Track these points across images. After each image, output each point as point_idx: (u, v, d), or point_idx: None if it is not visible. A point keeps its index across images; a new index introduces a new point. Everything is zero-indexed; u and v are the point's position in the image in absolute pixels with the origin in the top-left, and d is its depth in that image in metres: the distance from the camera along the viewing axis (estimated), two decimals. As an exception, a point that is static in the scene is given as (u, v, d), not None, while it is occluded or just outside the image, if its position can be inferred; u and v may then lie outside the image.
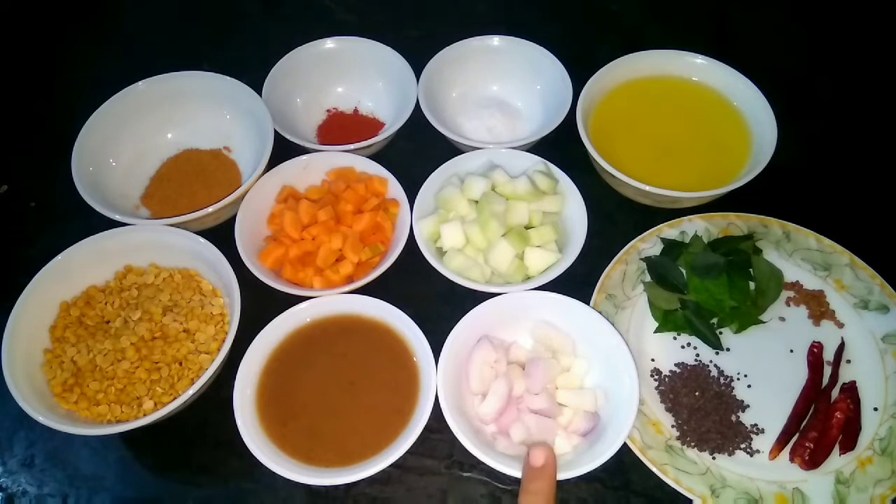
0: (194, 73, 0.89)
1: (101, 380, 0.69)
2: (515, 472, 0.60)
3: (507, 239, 0.73)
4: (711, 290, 0.73)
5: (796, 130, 0.82)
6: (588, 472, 0.60)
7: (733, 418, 0.69)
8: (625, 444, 0.64)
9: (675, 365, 0.73)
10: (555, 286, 0.71)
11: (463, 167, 0.81)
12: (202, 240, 0.74)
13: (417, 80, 0.87)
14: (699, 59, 0.89)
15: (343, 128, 0.92)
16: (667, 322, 0.74)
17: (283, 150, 0.83)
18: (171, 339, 0.71)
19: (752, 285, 0.75)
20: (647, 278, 0.77)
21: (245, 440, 0.63)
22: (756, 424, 0.69)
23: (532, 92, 0.92)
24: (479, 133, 0.89)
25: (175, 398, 0.67)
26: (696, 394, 0.70)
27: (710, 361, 0.73)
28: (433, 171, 0.80)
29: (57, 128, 0.86)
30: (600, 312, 0.70)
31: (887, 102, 0.95)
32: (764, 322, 0.75)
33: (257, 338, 0.69)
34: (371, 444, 0.64)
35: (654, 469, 0.65)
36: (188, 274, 0.76)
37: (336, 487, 0.67)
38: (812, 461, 0.66)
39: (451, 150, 0.85)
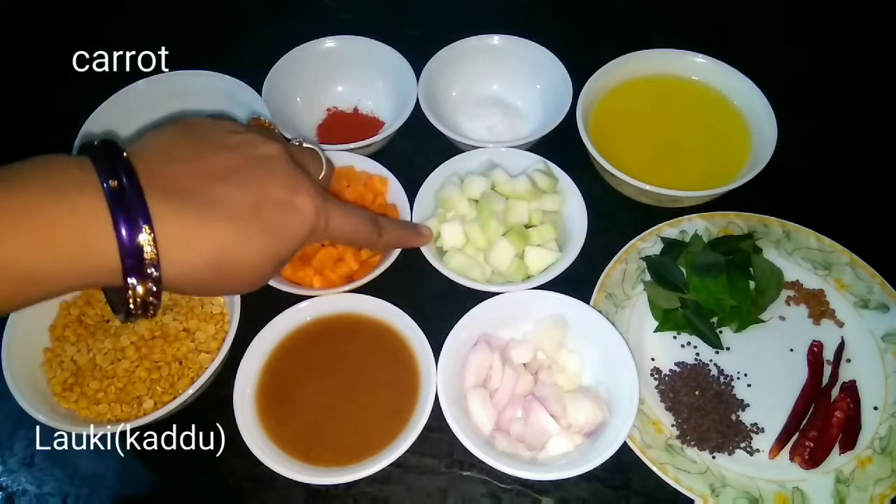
0: (194, 72, 0.88)
1: (101, 379, 0.69)
2: (515, 471, 0.60)
3: (508, 238, 0.73)
4: (711, 289, 0.73)
5: (796, 130, 0.82)
6: (588, 472, 0.60)
7: (733, 417, 0.69)
8: (624, 444, 0.64)
9: (675, 364, 0.73)
10: (555, 285, 0.71)
11: (463, 166, 0.81)
12: (202, 239, 0.74)
13: (417, 79, 0.87)
14: (699, 59, 0.89)
15: (343, 127, 0.92)
16: (667, 321, 0.74)
17: (283, 149, 0.82)
18: (171, 338, 0.71)
19: (752, 284, 0.75)
20: (647, 277, 0.77)
21: (245, 439, 0.63)
22: (756, 423, 0.69)
23: (532, 91, 0.92)
24: (478, 132, 0.89)
25: (175, 397, 0.67)
26: (696, 393, 0.70)
27: (710, 360, 0.73)
28: (433, 170, 0.80)
29: (56, 127, 0.86)
30: (600, 312, 0.70)
31: (887, 102, 0.95)
32: (764, 321, 0.75)
33: (257, 337, 0.69)
34: (371, 443, 0.64)
35: (654, 468, 0.65)
36: (188, 273, 0.76)
37: (336, 486, 0.66)
38: (812, 460, 0.66)
39: (451, 149, 0.85)
